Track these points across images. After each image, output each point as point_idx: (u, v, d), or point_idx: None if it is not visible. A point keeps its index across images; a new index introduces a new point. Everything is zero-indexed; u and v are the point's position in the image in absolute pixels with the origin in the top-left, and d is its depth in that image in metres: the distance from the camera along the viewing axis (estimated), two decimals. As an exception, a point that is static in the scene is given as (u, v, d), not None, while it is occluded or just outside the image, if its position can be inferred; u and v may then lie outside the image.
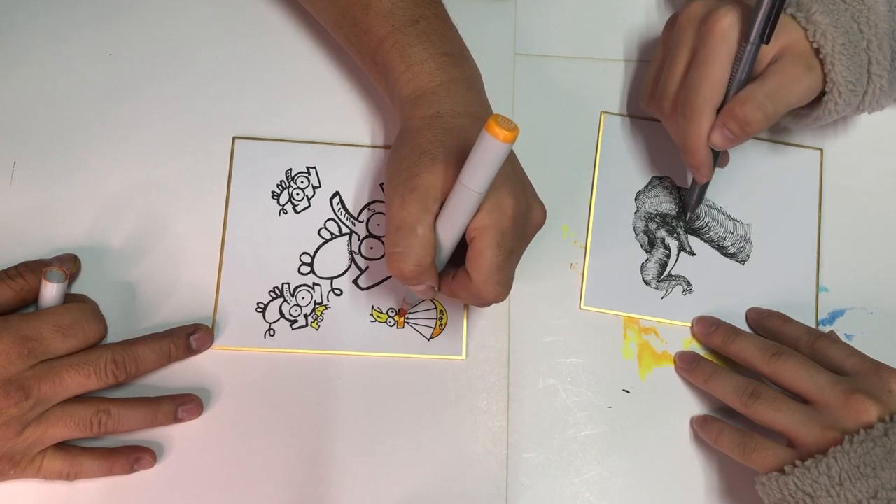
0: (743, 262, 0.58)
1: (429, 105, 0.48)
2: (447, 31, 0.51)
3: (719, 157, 0.54)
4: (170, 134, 0.57)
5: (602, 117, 0.60)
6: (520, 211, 0.45)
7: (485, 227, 0.44)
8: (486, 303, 0.47)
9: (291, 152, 0.57)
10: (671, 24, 0.55)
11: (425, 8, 0.51)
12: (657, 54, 0.56)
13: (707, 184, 0.55)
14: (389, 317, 0.55)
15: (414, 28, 0.50)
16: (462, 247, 0.46)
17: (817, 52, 0.49)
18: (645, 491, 0.54)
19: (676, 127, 0.53)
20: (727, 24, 0.49)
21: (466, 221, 0.44)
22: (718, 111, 0.50)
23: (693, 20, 0.51)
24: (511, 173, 0.46)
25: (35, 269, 0.51)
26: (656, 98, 0.54)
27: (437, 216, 0.45)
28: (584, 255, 0.58)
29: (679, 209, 0.59)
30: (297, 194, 0.56)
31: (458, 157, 0.43)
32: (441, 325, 0.55)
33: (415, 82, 0.49)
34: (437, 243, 0.45)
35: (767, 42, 0.48)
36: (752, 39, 0.48)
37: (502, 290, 0.46)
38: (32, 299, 0.51)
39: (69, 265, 0.53)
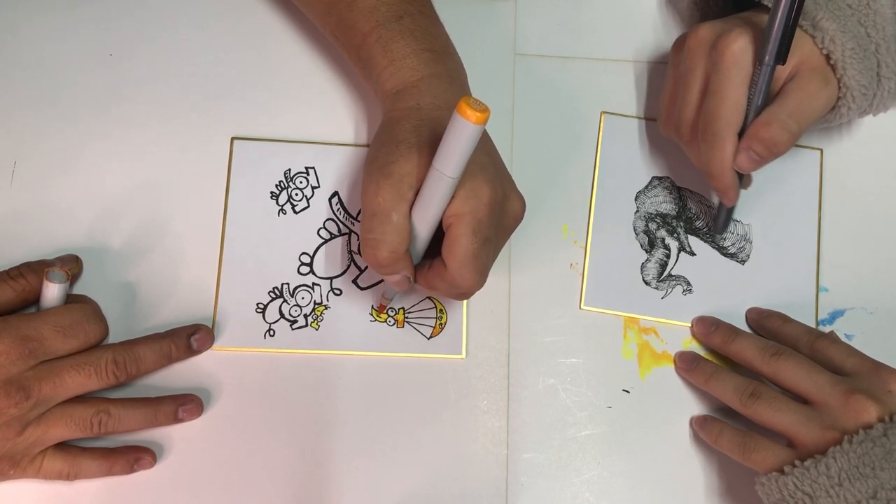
0: (743, 262, 0.58)
1: (409, 98, 0.48)
2: (431, 28, 0.51)
3: (743, 179, 0.53)
4: (169, 134, 0.57)
5: (602, 117, 0.60)
6: (496, 199, 0.45)
7: (460, 214, 0.44)
8: (462, 293, 0.47)
9: (290, 153, 0.57)
10: (678, 46, 0.54)
11: (410, 4, 0.51)
12: (668, 77, 0.55)
13: (734, 206, 0.55)
14: (389, 316, 0.55)
15: (398, 24, 0.50)
16: (439, 240, 0.46)
17: (827, 58, 0.49)
18: (645, 491, 0.54)
19: (697, 153, 0.52)
20: (739, 48, 0.48)
21: (441, 208, 0.44)
22: (740, 134, 0.50)
23: (703, 45, 0.50)
24: (488, 163, 0.46)
25: (37, 270, 0.51)
26: (673, 125, 0.54)
27: (412, 204, 0.45)
28: (584, 255, 0.58)
29: (679, 209, 0.59)
30: (296, 195, 0.56)
31: (435, 146, 0.43)
32: (441, 324, 0.55)
33: (397, 77, 0.49)
34: (413, 231, 0.45)
35: (783, 63, 0.48)
36: (766, 61, 0.48)
37: (478, 277, 0.45)
38: (34, 300, 0.51)
39: (71, 265, 0.53)
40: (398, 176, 0.44)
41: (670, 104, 0.55)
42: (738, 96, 0.49)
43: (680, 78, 0.53)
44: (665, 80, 0.56)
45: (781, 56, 0.48)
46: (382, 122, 0.49)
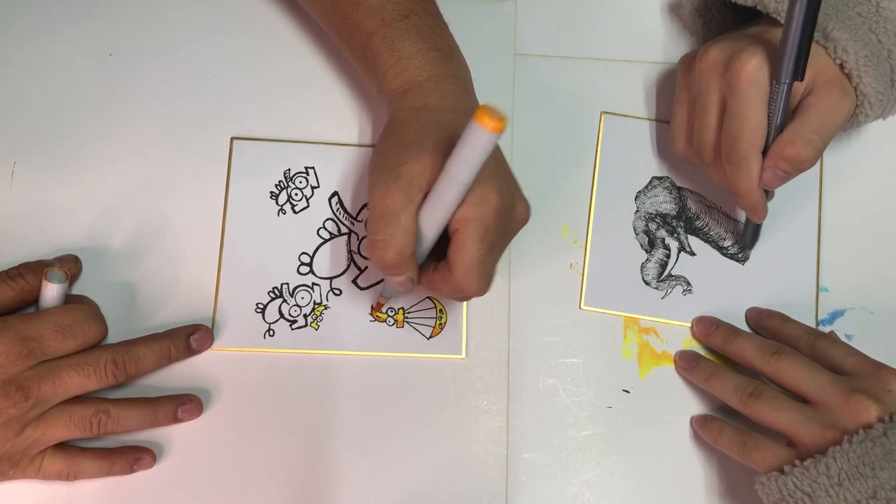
0: (743, 262, 0.58)
1: (416, 98, 0.48)
2: (437, 28, 0.51)
3: (768, 193, 0.53)
4: (169, 134, 0.57)
5: (602, 117, 0.60)
6: (504, 205, 0.45)
7: (468, 220, 0.44)
8: (466, 296, 0.47)
9: (290, 152, 0.57)
10: (687, 65, 0.54)
11: (416, 3, 0.51)
12: (678, 98, 0.55)
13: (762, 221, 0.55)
14: (389, 316, 0.55)
15: (404, 23, 0.50)
16: (443, 242, 0.46)
17: (841, 67, 0.49)
18: (645, 491, 0.54)
19: (721, 173, 0.52)
20: (754, 68, 0.48)
21: (450, 213, 0.44)
22: (763, 151, 0.50)
23: (715, 67, 0.50)
24: (496, 168, 0.46)
25: (36, 270, 0.51)
26: (694, 148, 0.53)
27: (420, 206, 0.45)
28: (584, 255, 0.58)
29: (679, 209, 0.59)
30: (296, 194, 0.56)
31: (445, 149, 0.43)
32: (441, 324, 0.55)
33: (403, 76, 0.49)
34: (420, 234, 0.45)
35: (801, 79, 0.47)
36: (783, 79, 0.47)
37: (483, 283, 0.46)
38: (33, 300, 0.51)
39: (70, 266, 0.53)
40: (407, 178, 0.44)
41: (688, 127, 0.54)
42: (759, 117, 0.48)
43: (694, 101, 0.52)
44: (675, 101, 0.55)
45: (799, 73, 0.47)
46: (388, 122, 0.49)
